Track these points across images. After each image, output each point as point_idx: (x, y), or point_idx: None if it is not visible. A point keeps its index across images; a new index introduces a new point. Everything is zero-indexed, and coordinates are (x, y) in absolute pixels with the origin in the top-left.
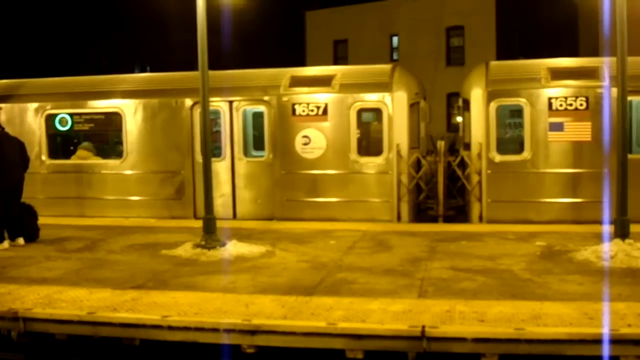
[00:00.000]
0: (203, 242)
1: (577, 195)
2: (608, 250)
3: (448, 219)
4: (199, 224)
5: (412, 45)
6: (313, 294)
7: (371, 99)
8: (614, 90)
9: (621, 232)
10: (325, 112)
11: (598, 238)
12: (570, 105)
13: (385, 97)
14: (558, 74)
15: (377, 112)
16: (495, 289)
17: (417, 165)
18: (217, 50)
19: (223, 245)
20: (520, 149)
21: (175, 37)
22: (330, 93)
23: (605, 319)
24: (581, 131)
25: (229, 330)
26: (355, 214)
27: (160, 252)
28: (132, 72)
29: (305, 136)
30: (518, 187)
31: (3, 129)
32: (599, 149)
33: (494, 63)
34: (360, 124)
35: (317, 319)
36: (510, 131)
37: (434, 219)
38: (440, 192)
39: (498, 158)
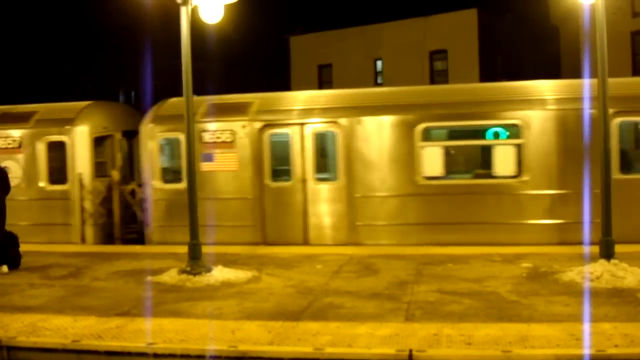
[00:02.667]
0: (188, 268)
1: (230, 219)
2: (594, 271)
3: (132, 241)
4: None
5: (396, 69)
6: (300, 319)
7: (58, 133)
8: (256, 124)
9: (606, 252)
10: (20, 145)
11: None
12: (219, 138)
13: (69, 131)
14: (212, 110)
15: (63, 144)
16: (482, 312)
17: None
18: (202, 76)
19: (209, 271)
20: (181, 178)
21: (160, 63)
22: (26, 128)
23: (592, 340)
24: (228, 161)
25: (215, 357)
26: (44, 237)
27: (145, 279)
28: (117, 97)
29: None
30: (179, 213)
31: None
32: (245, 177)
33: (172, 100)
34: (50, 155)
35: (304, 344)
36: (172, 162)
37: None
38: (116, 217)
39: (162, 187)
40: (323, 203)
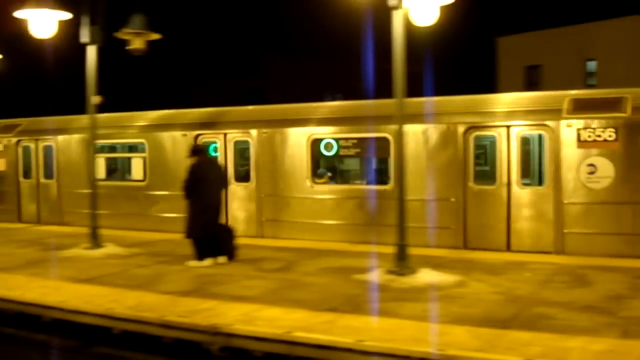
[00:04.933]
0: (395, 269)
1: None
2: None
3: None
4: None
5: (611, 70)
6: (508, 327)
7: None
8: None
9: None
10: None
11: None
12: None
13: None
14: None
15: None
16: None
17: None
18: (415, 78)
19: (413, 272)
20: None
21: (371, 66)
22: None
23: None
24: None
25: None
26: None
27: (352, 277)
28: (322, 100)
29: None
30: None
31: (208, 155)
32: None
33: None
34: None
35: (513, 353)
36: None
37: None
38: None
39: None
40: None
